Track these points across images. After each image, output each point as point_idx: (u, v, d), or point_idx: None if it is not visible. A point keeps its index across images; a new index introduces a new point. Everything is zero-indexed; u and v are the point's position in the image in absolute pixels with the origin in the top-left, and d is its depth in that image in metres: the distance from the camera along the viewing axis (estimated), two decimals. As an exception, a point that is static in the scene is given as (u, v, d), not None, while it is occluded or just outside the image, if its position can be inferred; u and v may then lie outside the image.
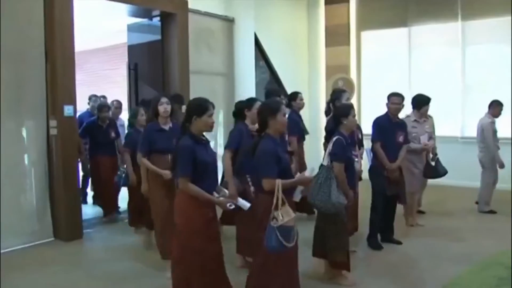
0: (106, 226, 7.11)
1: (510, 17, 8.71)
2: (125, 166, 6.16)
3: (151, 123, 5.13)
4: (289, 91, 10.43)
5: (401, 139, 5.96)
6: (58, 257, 5.67)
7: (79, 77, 6.79)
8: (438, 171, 6.84)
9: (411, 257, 5.60)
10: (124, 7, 7.47)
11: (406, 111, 6.51)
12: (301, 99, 6.84)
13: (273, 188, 3.62)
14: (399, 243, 6.03)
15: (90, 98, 8.58)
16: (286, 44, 10.65)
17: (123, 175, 6.18)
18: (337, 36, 11.04)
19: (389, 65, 10.68)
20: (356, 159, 5.38)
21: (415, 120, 6.67)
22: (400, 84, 9.08)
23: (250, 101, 5.10)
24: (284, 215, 3.55)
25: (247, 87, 8.88)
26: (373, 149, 5.88)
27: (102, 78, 14.07)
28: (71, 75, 6.30)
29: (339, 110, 4.94)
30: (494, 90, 8.88)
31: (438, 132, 7.58)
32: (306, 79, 11.26)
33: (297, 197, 4.00)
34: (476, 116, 7.59)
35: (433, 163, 6.85)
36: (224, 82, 9.01)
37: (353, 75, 10.98)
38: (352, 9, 11.12)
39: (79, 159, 7.18)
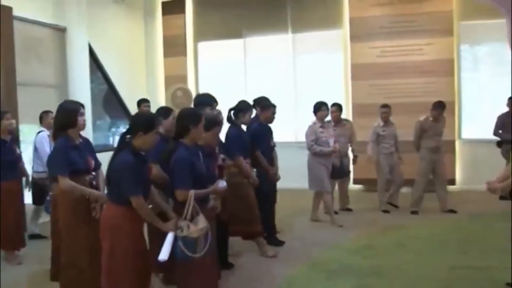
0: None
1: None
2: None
3: (61, 138, 4.19)
4: (128, 103, 10.28)
5: (272, 143, 6.45)
6: None
7: None
8: (343, 171, 7.70)
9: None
10: None
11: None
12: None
13: (186, 199, 3.60)
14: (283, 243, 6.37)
15: None
16: (123, 55, 10.46)
17: None
18: (174, 46, 11.12)
19: (226, 75, 10.97)
20: None
21: (321, 126, 7.15)
22: (237, 93, 9.34)
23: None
24: (191, 226, 3.55)
25: (82, 99, 8.43)
26: (255, 157, 6.03)
27: None
28: None
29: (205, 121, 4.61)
30: (322, 96, 9.52)
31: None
32: (145, 89, 11.14)
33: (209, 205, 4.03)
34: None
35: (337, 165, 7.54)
36: (56, 95, 8.55)
37: (191, 85, 11.10)
38: (189, 20, 11.25)
39: None
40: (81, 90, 8.66)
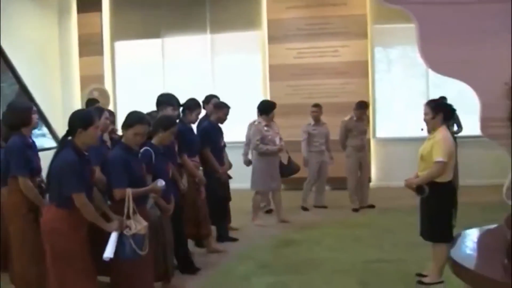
0: None
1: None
2: None
3: (16, 137, 4.03)
4: (41, 104, 9.86)
5: (223, 143, 6.45)
6: None
7: None
8: (292, 168, 7.57)
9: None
10: None
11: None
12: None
13: (123, 197, 3.57)
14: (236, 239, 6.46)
15: None
16: (35, 53, 10.05)
17: None
18: (90, 45, 10.80)
19: (143, 75, 10.80)
20: None
21: (266, 125, 7.12)
22: (155, 93, 9.16)
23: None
24: (137, 224, 3.54)
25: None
26: (203, 155, 5.97)
27: None
28: None
29: (163, 120, 4.67)
30: (241, 96, 9.62)
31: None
32: (59, 90, 10.77)
33: (149, 205, 4.06)
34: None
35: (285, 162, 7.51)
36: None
37: (108, 85, 10.83)
38: (105, 18, 10.97)
39: None
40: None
